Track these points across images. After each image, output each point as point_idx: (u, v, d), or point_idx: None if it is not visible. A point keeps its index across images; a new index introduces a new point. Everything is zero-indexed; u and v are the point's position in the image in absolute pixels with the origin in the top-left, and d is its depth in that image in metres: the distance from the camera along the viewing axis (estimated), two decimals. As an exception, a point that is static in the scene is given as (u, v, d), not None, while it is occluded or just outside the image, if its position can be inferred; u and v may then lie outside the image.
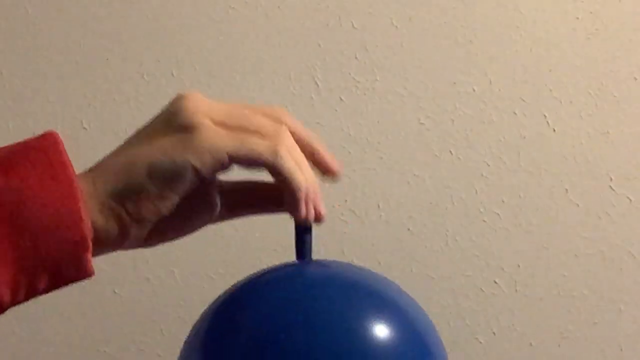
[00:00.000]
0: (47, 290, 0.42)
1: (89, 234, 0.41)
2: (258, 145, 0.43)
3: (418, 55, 0.95)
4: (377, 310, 0.46)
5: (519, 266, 0.96)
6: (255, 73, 0.94)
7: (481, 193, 0.96)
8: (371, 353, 0.44)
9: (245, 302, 0.47)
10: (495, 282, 0.96)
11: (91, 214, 0.42)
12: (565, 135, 0.95)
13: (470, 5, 0.95)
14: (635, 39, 0.95)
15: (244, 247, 0.95)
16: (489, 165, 0.96)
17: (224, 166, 0.43)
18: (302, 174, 0.44)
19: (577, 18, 0.95)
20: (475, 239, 0.96)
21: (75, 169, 0.41)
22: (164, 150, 0.42)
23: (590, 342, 0.97)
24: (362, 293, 0.48)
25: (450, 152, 0.95)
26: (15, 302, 0.41)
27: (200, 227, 0.49)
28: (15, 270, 0.40)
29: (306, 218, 0.46)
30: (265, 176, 0.46)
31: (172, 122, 0.43)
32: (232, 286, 0.51)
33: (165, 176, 0.42)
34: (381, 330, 0.45)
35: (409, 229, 0.96)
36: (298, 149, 0.45)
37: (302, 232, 0.50)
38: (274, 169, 0.43)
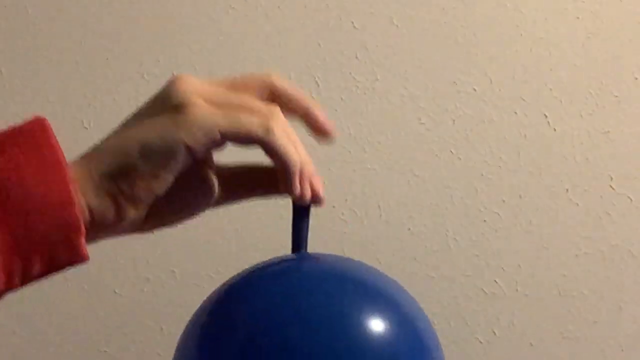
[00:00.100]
0: (42, 274, 0.42)
1: (81, 217, 0.41)
2: (250, 122, 0.43)
3: (418, 55, 0.95)
4: (373, 304, 0.46)
5: (519, 266, 0.96)
6: (256, 73, 0.94)
7: (481, 193, 0.96)
8: (367, 347, 0.44)
9: (241, 298, 0.47)
10: (496, 282, 0.96)
11: (86, 196, 0.42)
12: (566, 135, 0.95)
13: (470, 5, 0.95)
14: (635, 38, 0.95)
15: (244, 247, 0.95)
16: (489, 165, 0.96)
17: (216, 143, 0.43)
18: (296, 151, 0.44)
19: (577, 18, 0.95)
20: (475, 238, 0.96)
21: (65, 154, 0.42)
22: (156, 129, 0.42)
23: (590, 342, 0.97)
24: (357, 287, 0.48)
25: (451, 151, 0.96)
26: (10, 287, 0.41)
27: (198, 211, 0.49)
28: (9, 254, 0.40)
29: (302, 196, 0.46)
30: (262, 158, 0.46)
31: (165, 102, 0.43)
32: (227, 280, 0.50)
33: (158, 155, 0.42)
34: (377, 325, 0.45)
35: (409, 229, 0.96)
36: (289, 127, 0.45)
37: (299, 217, 0.50)
38: (267, 145, 0.43)
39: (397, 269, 0.95)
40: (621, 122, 0.95)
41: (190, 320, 0.50)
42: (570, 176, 0.96)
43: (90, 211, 0.42)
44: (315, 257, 0.51)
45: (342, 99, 0.95)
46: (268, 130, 0.43)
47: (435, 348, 0.49)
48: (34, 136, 0.41)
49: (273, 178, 0.48)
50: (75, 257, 0.42)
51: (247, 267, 0.50)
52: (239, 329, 0.45)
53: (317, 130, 0.48)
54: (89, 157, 0.43)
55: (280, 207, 0.94)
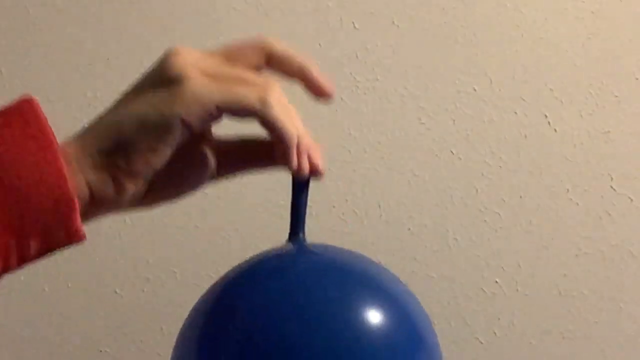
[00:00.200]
0: (39, 254, 0.41)
1: (75, 193, 0.41)
2: (246, 94, 0.42)
3: (418, 55, 0.95)
4: (371, 298, 0.46)
5: (519, 266, 0.96)
6: (256, 73, 0.94)
7: (482, 193, 0.96)
8: (364, 340, 0.44)
9: (239, 293, 0.47)
10: (496, 282, 0.96)
11: (85, 173, 0.42)
12: (566, 135, 0.95)
13: (470, 5, 0.95)
14: (635, 38, 0.95)
15: (244, 247, 0.95)
16: (489, 165, 0.96)
17: (213, 116, 0.43)
18: (293, 124, 0.44)
19: (577, 18, 0.95)
20: (475, 238, 0.96)
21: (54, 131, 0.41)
22: (152, 104, 0.42)
23: (590, 342, 0.97)
24: (355, 280, 0.48)
25: (451, 151, 0.95)
26: (7, 268, 0.40)
27: (198, 185, 0.49)
28: (5, 235, 0.39)
29: (299, 169, 0.45)
30: (260, 131, 0.46)
31: (161, 76, 0.43)
32: (225, 274, 0.50)
33: (154, 130, 0.42)
34: (374, 318, 0.45)
35: (409, 229, 0.96)
36: (286, 100, 0.44)
37: (298, 190, 0.50)
38: (263, 118, 0.43)
39: (397, 269, 0.95)
40: (621, 122, 0.95)
41: (188, 316, 0.50)
42: (571, 176, 0.96)
43: (89, 188, 0.42)
44: (313, 250, 0.51)
45: (342, 99, 0.95)
46: (264, 102, 0.42)
47: (432, 342, 0.49)
48: (22, 115, 0.41)
49: (271, 151, 0.47)
50: (72, 235, 0.41)
51: (246, 266, 0.50)
52: (237, 324, 0.45)
53: (316, 91, 0.48)
54: (86, 134, 0.43)
55: (280, 207, 0.94)
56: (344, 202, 0.95)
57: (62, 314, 0.97)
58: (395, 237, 0.96)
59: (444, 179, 0.96)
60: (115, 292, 0.96)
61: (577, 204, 0.96)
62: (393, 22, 0.95)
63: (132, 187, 0.44)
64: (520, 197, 0.96)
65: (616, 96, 0.95)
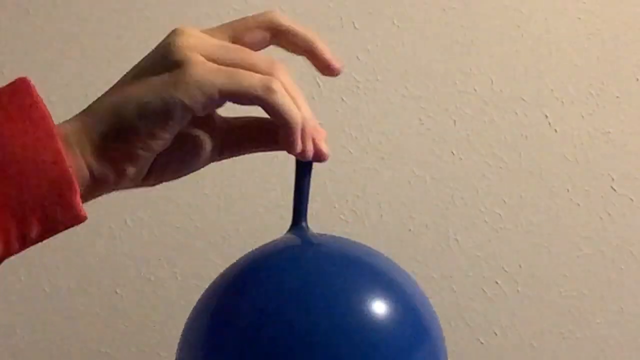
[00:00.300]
0: (40, 237, 0.41)
1: (74, 174, 0.40)
2: (250, 80, 0.42)
3: (419, 55, 0.95)
4: (377, 288, 0.46)
5: (520, 266, 0.96)
6: (256, 73, 0.94)
7: (482, 193, 0.96)
8: (370, 330, 0.44)
9: (245, 286, 0.47)
10: (497, 283, 0.96)
11: (85, 156, 0.42)
12: (566, 135, 0.95)
13: (470, 5, 0.95)
14: (635, 38, 0.95)
15: (244, 247, 0.95)
16: (490, 165, 0.96)
17: (215, 102, 0.42)
18: (297, 109, 0.43)
19: (578, 18, 0.95)
20: (476, 239, 0.96)
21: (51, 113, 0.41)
22: (153, 88, 0.42)
23: (591, 342, 0.97)
24: (361, 270, 0.47)
25: (452, 152, 0.95)
26: (9, 251, 0.40)
27: (199, 165, 0.48)
28: (4, 217, 0.39)
29: (303, 154, 0.45)
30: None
31: (163, 59, 0.43)
32: (231, 266, 0.50)
33: (156, 115, 0.42)
34: (381, 309, 0.45)
35: (409, 229, 0.96)
36: (293, 84, 0.44)
37: (301, 173, 0.49)
38: (267, 105, 0.42)
39: (397, 269, 0.95)
40: (621, 122, 0.95)
41: (195, 307, 0.49)
42: (571, 176, 0.96)
43: (90, 170, 0.42)
44: (317, 239, 0.50)
45: (342, 99, 0.95)
46: (268, 89, 0.42)
47: (436, 333, 0.49)
48: (18, 97, 0.41)
49: (275, 133, 0.46)
50: (72, 216, 0.41)
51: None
52: (244, 317, 0.45)
53: (323, 66, 0.47)
54: (85, 116, 0.43)
55: (281, 208, 0.94)
56: (344, 202, 0.95)
57: (62, 314, 0.96)
58: (396, 237, 0.96)
59: (445, 179, 0.96)
60: (115, 292, 0.96)
61: (577, 204, 0.96)
62: (393, 22, 0.95)
63: (132, 170, 0.43)
64: (521, 197, 0.96)
65: (616, 96, 0.95)
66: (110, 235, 0.95)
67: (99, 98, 0.44)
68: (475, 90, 0.95)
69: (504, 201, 0.96)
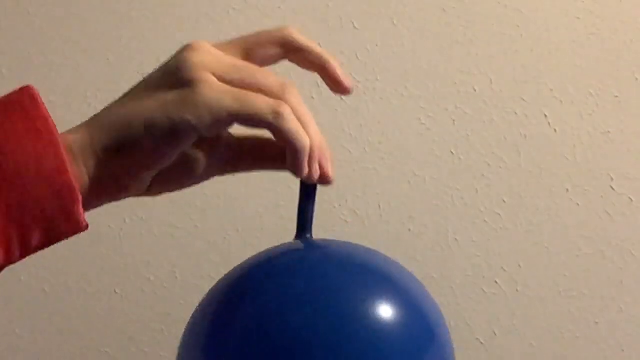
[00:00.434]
0: (41, 246, 0.41)
1: (76, 184, 0.40)
2: (260, 105, 0.41)
3: (419, 55, 0.95)
4: (382, 291, 0.46)
5: (519, 266, 0.96)
6: (256, 73, 0.94)
7: (482, 193, 0.96)
8: (376, 332, 0.43)
9: (248, 290, 0.46)
10: (496, 282, 0.96)
11: (87, 167, 0.42)
12: (566, 135, 0.95)
13: (470, 5, 0.95)
14: (635, 38, 0.95)
15: (244, 247, 0.95)
16: (489, 165, 0.96)
17: (223, 124, 0.42)
18: (305, 135, 0.43)
19: (578, 18, 0.95)
20: (475, 239, 0.96)
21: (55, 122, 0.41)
22: (162, 105, 0.41)
23: (591, 342, 0.97)
24: (367, 273, 0.47)
25: (451, 152, 0.95)
26: (10, 259, 0.40)
27: (203, 180, 0.48)
28: (5, 225, 0.39)
29: (308, 178, 0.45)
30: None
31: (174, 75, 0.42)
32: (234, 269, 0.50)
33: (162, 133, 0.41)
34: (387, 310, 0.44)
35: (409, 229, 0.96)
36: (304, 107, 0.44)
37: (305, 196, 0.49)
38: (275, 130, 0.42)
39: (397, 269, 0.95)
40: (621, 122, 0.95)
41: (197, 309, 0.49)
42: (571, 176, 0.96)
43: (92, 182, 0.42)
44: (322, 245, 0.50)
45: (342, 99, 0.95)
46: (277, 114, 0.42)
47: (443, 336, 0.48)
48: (23, 105, 0.41)
49: (282, 154, 0.46)
50: (74, 225, 0.41)
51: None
52: (246, 320, 0.45)
53: (335, 85, 0.47)
54: (91, 127, 0.43)
55: (281, 208, 0.94)
56: (344, 202, 0.95)
57: (62, 314, 0.96)
58: (395, 237, 0.96)
59: (444, 179, 0.96)
60: (115, 292, 0.96)
61: (577, 204, 0.96)
62: (393, 22, 0.95)
63: (134, 184, 0.43)
64: (521, 197, 0.96)
65: (616, 96, 0.95)
66: (110, 235, 0.95)
67: (106, 108, 0.43)
68: (475, 90, 0.95)
69: (504, 201, 0.96)
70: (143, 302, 0.96)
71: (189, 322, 0.49)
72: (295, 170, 0.44)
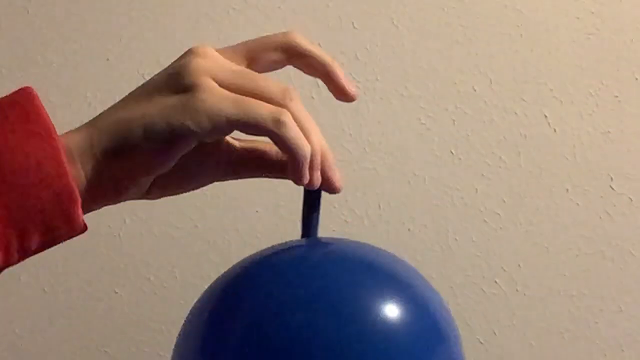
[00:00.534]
0: (40, 248, 0.41)
1: (76, 186, 0.40)
2: (260, 112, 0.41)
3: (418, 55, 0.95)
4: (387, 289, 0.45)
5: (519, 266, 0.96)
6: (256, 73, 0.94)
7: (482, 193, 0.96)
8: (380, 335, 0.42)
9: (249, 283, 0.46)
10: (496, 282, 0.96)
11: (85, 170, 0.42)
12: (566, 135, 0.95)
13: (470, 5, 0.95)
14: (635, 38, 0.95)
15: (244, 247, 0.95)
16: (489, 165, 0.96)
17: (223, 131, 0.42)
18: (306, 143, 0.43)
19: (578, 18, 0.95)
20: (475, 238, 0.96)
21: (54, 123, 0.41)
22: (161, 110, 0.41)
23: (590, 342, 0.97)
24: (372, 271, 0.46)
25: (451, 152, 0.95)
26: (9, 262, 0.40)
27: (203, 184, 0.48)
28: (5, 228, 0.39)
29: (310, 185, 0.45)
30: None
31: (175, 80, 0.42)
32: (236, 264, 0.49)
33: (160, 138, 0.41)
34: (391, 312, 0.43)
35: (409, 229, 0.96)
36: (305, 113, 0.43)
37: (308, 204, 0.49)
38: (275, 137, 0.42)
39: (397, 269, 0.95)
40: (621, 122, 0.95)
41: (195, 304, 0.49)
42: (570, 176, 0.96)
43: (89, 184, 0.42)
44: (325, 243, 0.49)
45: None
46: (277, 121, 0.41)
47: (452, 337, 0.47)
48: (22, 107, 0.40)
49: (283, 161, 0.47)
50: (73, 228, 0.41)
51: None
52: (246, 314, 0.44)
53: (339, 92, 0.47)
54: (91, 129, 0.42)
55: (281, 208, 0.94)
56: (344, 202, 0.95)
57: (61, 314, 0.96)
58: (395, 237, 0.96)
59: (444, 179, 0.96)
60: (115, 292, 0.96)
61: (577, 204, 0.96)
62: (393, 22, 0.95)
63: (132, 188, 0.43)
64: (521, 197, 0.96)
65: (616, 96, 0.95)
66: (110, 234, 0.95)
67: (107, 110, 0.43)
68: (475, 90, 0.95)
69: (504, 201, 0.96)
70: (143, 302, 0.96)
71: (185, 321, 0.49)
72: (296, 177, 0.44)
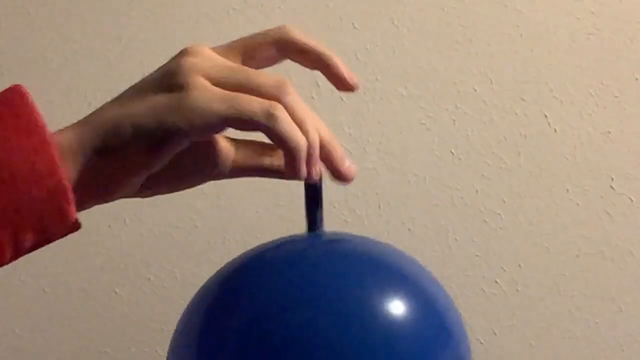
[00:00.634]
0: (34, 247, 0.41)
1: (69, 184, 0.40)
2: (251, 107, 0.40)
3: (418, 55, 0.95)
4: (392, 285, 0.44)
5: (519, 266, 0.96)
6: (256, 73, 0.94)
7: (482, 193, 0.96)
8: (384, 331, 0.41)
9: (250, 276, 0.45)
10: (496, 282, 0.96)
11: (77, 167, 0.41)
12: (566, 135, 0.95)
13: (470, 5, 0.95)
14: (635, 38, 0.95)
15: (244, 248, 0.95)
16: (489, 165, 0.96)
17: (215, 129, 0.41)
18: (301, 136, 0.42)
19: (578, 18, 0.95)
20: (475, 239, 0.96)
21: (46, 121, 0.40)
22: (152, 109, 0.41)
23: (590, 342, 0.97)
24: (375, 267, 0.45)
25: (451, 152, 0.95)
26: (2, 261, 0.40)
27: (198, 183, 0.47)
28: None
29: (308, 179, 0.43)
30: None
31: (167, 79, 0.42)
32: (238, 257, 0.49)
33: (151, 137, 0.41)
34: (396, 308, 0.42)
35: (409, 229, 0.96)
36: (302, 105, 0.42)
37: (309, 197, 0.48)
38: (268, 131, 0.41)
39: (397, 269, 0.95)
40: (621, 122, 0.95)
41: (193, 299, 0.48)
42: (571, 176, 0.96)
43: (82, 183, 0.41)
44: (330, 237, 0.49)
45: (342, 99, 0.95)
46: (270, 115, 0.40)
47: (460, 336, 0.46)
48: (13, 106, 0.40)
49: (281, 162, 0.46)
50: (67, 226, 0.41)
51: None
52: (243, 316, 0.43)
53: (339, 83, 0.46)
54: (82, 128, 0.42)
55: (281, 208, 0.94)
56: (344, 202, 0.95)
57: (61, 314, 0.96)
58: (395, 237, 0.96)
59: (444, 179, 0.96)
60: (115, 292, 0.96)
61: (577, 204, 0.96)
62: (393, 22, 0.95)
63: (124, 187, 0.43)
64: (520, 197, 0.96)
65: (616, 96, 0.95)
66: (110, 235, 0.95)
67: (99, 109, 0.43)
68: (475, 90, 0.95)
69: (504, 201, 0.96)
70: (143, 302, 0.96)
71: (182, 315, 0.48)
72: (291, 173, 0.43)
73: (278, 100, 0.41)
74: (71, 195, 0.40)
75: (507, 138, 0.95)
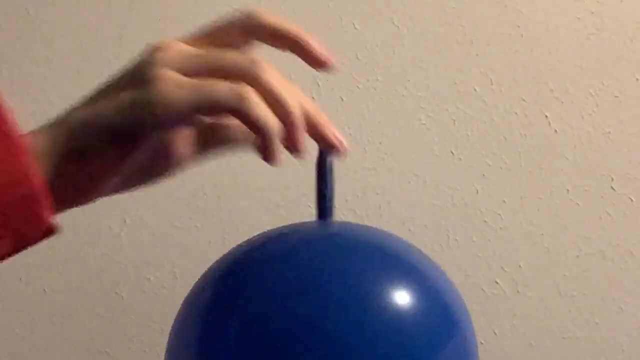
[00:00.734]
0: (11, 252, 0.40)
1: (42, 188, 0.39)
2: (219, 92, 0.39)
3: (419, 55, 0.95)
4: (398, 276, 0.43)
5: (520, 266, 0.96)
6: (256, 73, 0.94)
7: (482, 193, 0.96)
8: (390, 322, 0.41)
9: (254, 266, 0.45)
10: (496, 283, 0.96)
11: (50, 170, 0.40)
12: (566, 135, 0.95)
13: (470, 5, 0.95)
14: (635, 38, 0.95)
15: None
16: (490, 166, 0.96)
17: (185, 121, 0.40)
18: (273, 117, 0.40)
19: (578, 18, 0.95)
20: (476, 239, 0.96)
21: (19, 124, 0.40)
22: (120, 106, 0.40)
23: (591, 342, 0.97)
24: (381, 258, 0.44)
25: (451, 152, 0.95)
26: None
27: (173, 173, 0.46)
28: None
29: (297, 153, 0.42)
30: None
31: (133, 75, 0.41)
32: (242, 243, 0.48)
33: (121, 134, 0.40)
34: (402, 299, 0.42)
35: (409, 229, 0.96)
36: (277, 81, 0.41)
37: (320, 178, 0.47)
38: (239, 115, 0.39)
39: (397, 269, 0.95)
40: (621, 123, 0.95)
41: (195, 284, 0.48)
42: (571, 176, 0.96)
43: (57, 186, 0.40)
44: (336, 227, 0.48)
45: (342, 99, 0.95)
46: (240, 98, 0.39)
47: (466, 328, 0.45)
48: None
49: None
50: (44, 230, 0.40)
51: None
52: (245, 306, 0.43)
53: (313, 61, 0.44)
54: (53, 131, 0.41)
55: (281, 208, 0.94)
56: (344, 202, 0.95)
57: (62, 314, 0.96)
58: (396, 237, 0.96)
59: (444, 179, 0.96)
60: (115, 292, 0.96)
61: (577, 204, 0.96)
62: (393, 22, 0.95)
63: (100, 187, 0.42)
64: (521, 197, 0.96)
65: (617, 96, 0.95)
66: (110, 235, 0.95)
67: (70, 110, 0.42)
68: (475, 90, 0.95)
69: (504, 201, 0.96)
70: (143, 302, 0.96)
71: (182, 306, 0.47)
72: (264, 155, 0.41)
73: (253, 79, 0.40)
74: (45, 200, 0.39)
75: (507, 138, 0.95)
